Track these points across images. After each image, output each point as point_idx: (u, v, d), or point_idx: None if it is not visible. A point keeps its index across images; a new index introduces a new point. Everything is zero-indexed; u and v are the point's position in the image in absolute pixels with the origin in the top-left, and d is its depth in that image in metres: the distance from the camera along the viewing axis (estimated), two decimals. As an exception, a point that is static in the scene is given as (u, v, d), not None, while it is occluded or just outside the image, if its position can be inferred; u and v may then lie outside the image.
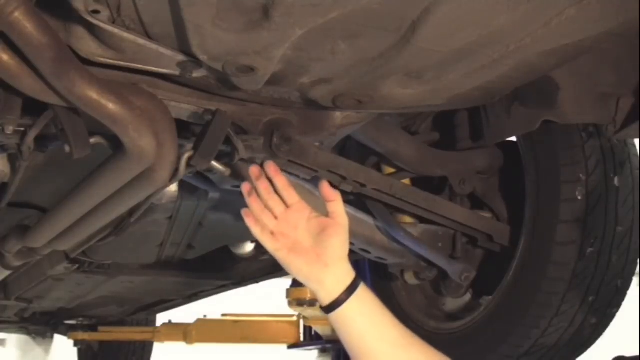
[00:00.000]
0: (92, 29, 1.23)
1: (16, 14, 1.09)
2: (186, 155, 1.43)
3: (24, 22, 1.10)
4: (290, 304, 4.73)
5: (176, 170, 1.44)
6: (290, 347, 5.72)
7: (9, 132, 1.37)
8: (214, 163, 1.50)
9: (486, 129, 1.81)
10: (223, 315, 5.59)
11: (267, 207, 1.34)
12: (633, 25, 1.31)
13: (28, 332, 5.35)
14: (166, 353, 5.92)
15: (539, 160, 2.01)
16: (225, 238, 2.53)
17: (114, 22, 1.20)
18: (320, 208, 1.33)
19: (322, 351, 5.86)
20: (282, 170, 1.39)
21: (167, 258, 2.60)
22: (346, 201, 1.43)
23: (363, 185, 1.89)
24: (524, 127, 1.68)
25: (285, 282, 4.50)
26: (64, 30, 1.24)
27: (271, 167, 1.35)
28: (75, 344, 5.03)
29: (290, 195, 1.34)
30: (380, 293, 1.45)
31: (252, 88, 1.41)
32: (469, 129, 2.05)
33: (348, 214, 1.33)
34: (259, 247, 2.63)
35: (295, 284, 4.58)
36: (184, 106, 1.48)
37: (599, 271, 1.96)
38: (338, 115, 1.65)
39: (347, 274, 1.29)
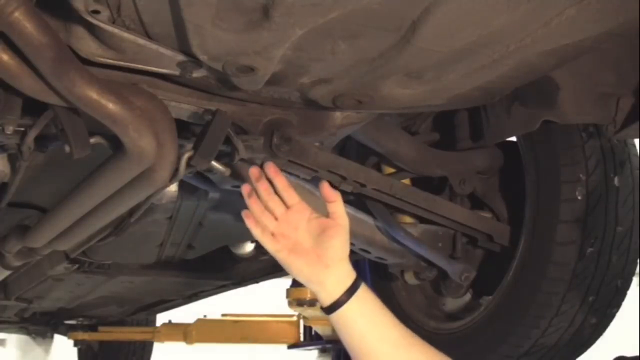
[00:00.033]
0: (92, 29, 1.23)
1: (16, 14, 1.09)
2: (186, 155, 1.43)
3: (24, 22, 1.10)
4: (290, 304, 4.73)
5: (176, 170, 1.44)
6: (290, 347, 5.71)
7: (9, 132, 1.37)
8: (214, 163, 1.50)
9: (486, 129, 1.81)
10: (223, 315, 5.59)
11: (267, 208, 1.34)
12: (633, 25, 1.31)
13: (28, 332, 5.35)
14: (166, 353, 5.92)
15: (539, 160, 2.01)
16: (225, 238, 2.53)
17: (114, 22, 1.20)
18: (321, 208, 1.33)
19: (322, 351, 5.86)
20: (282, 170, 1.39)
21: (167, 258, 2.60)
22: (346, 201, 1.43)
23: (363, 185, 1.89)
24: (524, 127, 1.68)
25: (285, 282, 4.49)
26: (64, 30, 1.24)
27: (271, 168, 1.35)
28: (75, 344, 5.03)
29: (291, 196, 1.34)
30: (380, 293, 1.45)
31: (252, 88, 1.41)
32: (469, 129, 2.05)
33: (348, 214, 1.33)
34: (259, 247, 2.63)
35: (295, 284, 4.57)
36: (184, 106, 1.48)
37: (599, 271, 1.96)
38: (338, 115, 1.65)
39: (348, 275, 1.29)
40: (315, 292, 1.31)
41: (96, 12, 1.16)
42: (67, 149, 1.33)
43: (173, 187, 2.01)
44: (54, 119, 1.34)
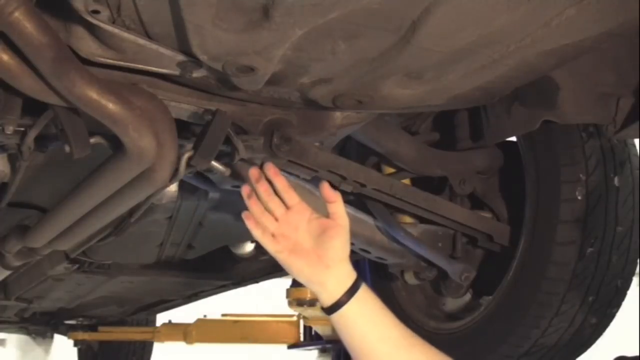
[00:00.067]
0: (92, 29, 1.22)
1: (16, 14, 1.09)
2: (186, 155, 1.43)
3: (24, 22, 1.10)
4: (290, 304, 4.73)
5: (176, 170, 1.44)
6: (290, 347, 5.72)
7: (9, 132, 1.37)
8: (214, 163, 1.50)
9: (486, 129, 1.81)
10: (223, 315, 5.59)
11: (267, 209, 1.34)
12: (633, 25, 1.31)
13: (28, 332, 5.35)
14: (166, 353, 5.92)
15: (539, 160, 2.01)
16: (225, 238, 2.53)
17: (114, 22, 1.20)
18: (321, 208, 1.33)
19: (322, 351, 5.87)
20: (282, 170, 1.39)
21: (167, 258, 2.60)
22: (346, 201, 1.43)
23: (363, 185, 1.89)
24: (524, 127, 1.68)
25: (285, 282, 4.50)
26: (64, 30, 1.24)
27: (270, 169, 1.35)
28: (75, 344, 5.03)
29: (291, 196, 1.34)
30: (380, 293, 1.45)
31: (252, 88, 1.41)
32: (469, 129, 2.05)
33: (348, 214, 1.33)
34: (259, 247, 2.63)
35: (295, 284, 4.57)
36: (184, 106, 1.48)
37: (599, 271, 1.96)
38: (338, 115, 1.65)
39: (348, 275, 1.29)
40: (316, 292, 1.31)
41: (96, 12, 1.16)
42: (67, 149, 1.33)
43: (173, 187, 2.01)
44: (54, 119, 1.34)
